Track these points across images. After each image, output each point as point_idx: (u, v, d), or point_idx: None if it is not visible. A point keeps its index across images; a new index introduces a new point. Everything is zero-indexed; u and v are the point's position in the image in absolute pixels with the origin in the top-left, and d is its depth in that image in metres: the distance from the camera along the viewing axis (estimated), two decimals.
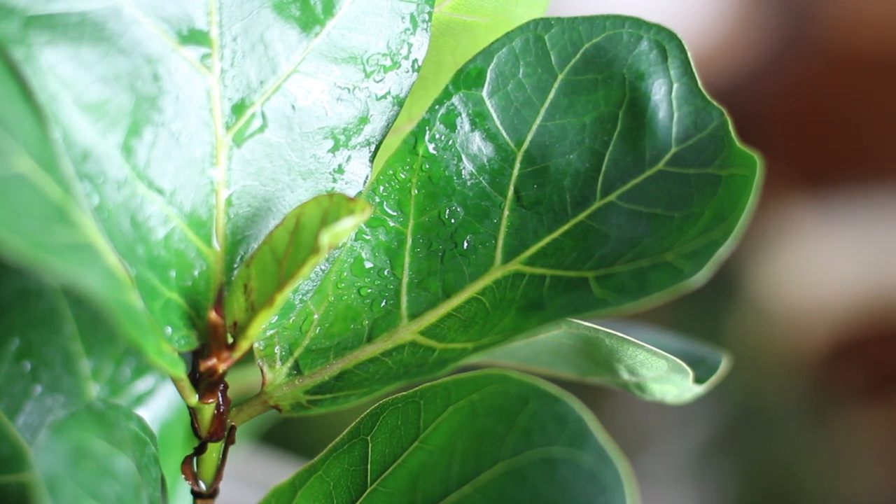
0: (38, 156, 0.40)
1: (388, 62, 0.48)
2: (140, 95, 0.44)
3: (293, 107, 0.47)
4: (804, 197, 1.53)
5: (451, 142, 0.48)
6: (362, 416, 0.47)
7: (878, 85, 1.74)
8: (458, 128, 0.48)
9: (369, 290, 0.49)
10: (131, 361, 0.54)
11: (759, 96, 1.73)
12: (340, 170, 0.48)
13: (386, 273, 0.49)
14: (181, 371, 0.45)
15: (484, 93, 0.48)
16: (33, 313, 0.53)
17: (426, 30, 0.49)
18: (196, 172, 0.46)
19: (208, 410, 0.47)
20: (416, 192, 0.49)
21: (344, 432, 0.48)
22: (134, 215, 0.44)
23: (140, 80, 0.44)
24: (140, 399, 0.54)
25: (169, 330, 0.45)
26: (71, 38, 0.43)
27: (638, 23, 0.47)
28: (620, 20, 0.47)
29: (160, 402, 0.55)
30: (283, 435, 0.52)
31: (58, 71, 0.43)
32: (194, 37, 0.45)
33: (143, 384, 0.54)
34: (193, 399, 0.47)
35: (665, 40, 0.46)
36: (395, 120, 0.49)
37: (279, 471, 0.77)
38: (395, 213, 0.49)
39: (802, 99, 1.76)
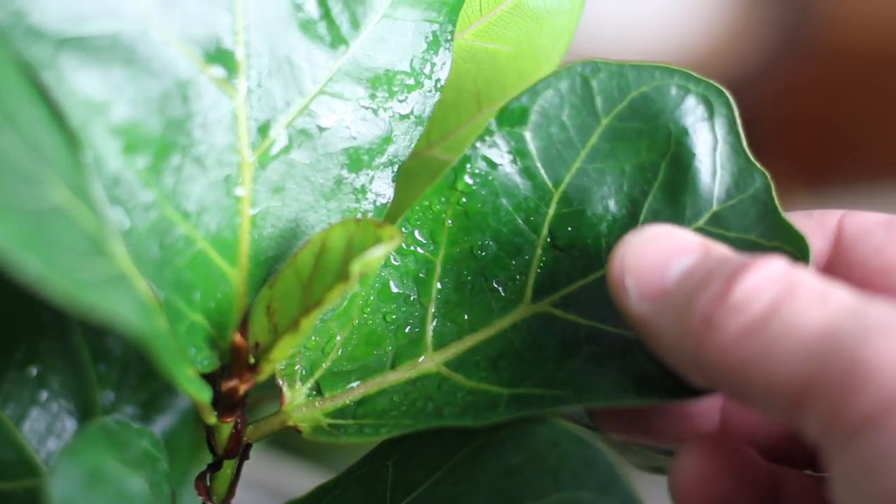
0: (72, 183, 0.40)
1: (411, 81, 0.48)
2: (169, 118, 0.44)
3: (318, 127, 0.47)
4: (804, 197, 1.53)
5: (490, 178, 0.48)
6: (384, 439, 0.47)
7: (878, 85, 1.74)
8: (499, 166, 0.48)
9: (394, 317, 0.48)
10: (136, 367, 0.54)
11: (759, 96, 1.72)
12: (364, 190, 0.48)
13: (412, 299, 0.48)
14: (207, 396, 0.45)
15: (527, 132, 0.48)
16: (39, 319, 0.53)
17: (448, 49, 0.49)
18: (222, 194, 0.45)
19: (226, 429, 0.47)
20: (449, 223, 0.48)
21: (364, 454, 0.48)
22: (162, 239, 0.44)
23: (169, 103, 0.44)
24: (145, 405, 0.54)
25: (192, 351, 0.45)
26: (102, 61, 0.42)
27: (687, 76, 0.46)
28: (670, 72, 0.46)
29: (165, 409, 0.55)
30: (283, 434, 0.52)
31: (89, 94, 0.42)
32: (221, 57, 0.45)
33: (147, 390, 0.54)
34: (212, 419, 0.46)
35: (713, 96, 0.46)
36: (417, 140, 0.49)
37: (279, 470, 0.77)
38: (426, 242, 0.48)
39: (802, 99, 1.76)
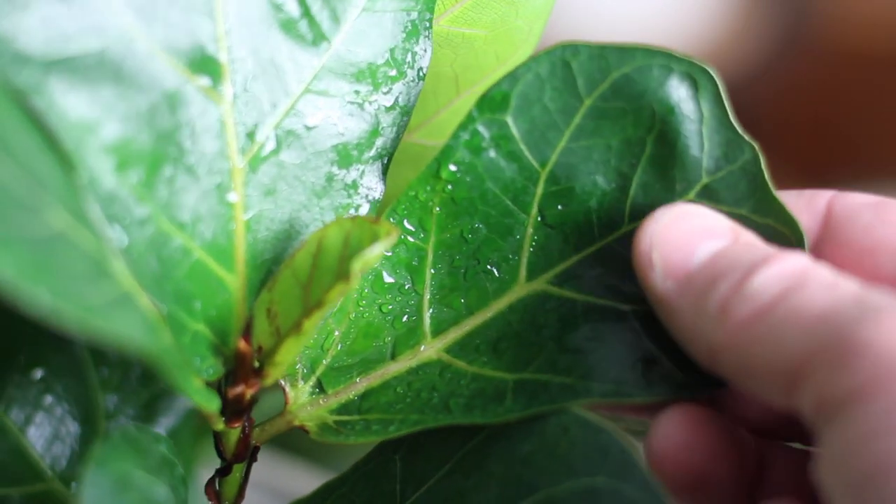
0: (71, 206, 0.40)
1: (394, 72, 0.48)
2: (158, 131, 0.43)
3: (306, 126, 0.47)
4: None
5: (474, 165, 0.48)
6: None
7: (878, 85, 1.74)
8: (483, 152, 0.48)
9: (390, 307, 0.48)
10: (136, 369, 0.54)
11: (759, 96, 1.71)
12: (355, 185, 0.48)
13: (407, 288, 0.48)
14: (216, 406, 0.45)
15: (508, 117, 0.47)
16: (41, 322, 0.52)
17: (428, 37, 0.49)
18: (215, 202, 0.45)
19: (234, 434, 0.47)
20: (437, 210, 0.48)
21: (370, 450, 0.48)
22: (160, 252, 0.44)
23: (157, 115, 0.43)
24: (147, 406, 0.54)
25: (197, 361, 0.45)
26: (90, 81, 0.42)
27: (668, 56, 0.46)
28: (651, 53, 0.46)
29: (167, 410, 0.54)
30: (285, 435, 0.52)
31: (80, 115, 0.42)
32: (205, 64, 0.44)
33: (148, 391, 0.54)
34: (220, 425, 0.46)
35: (696, 73, 0.46)
36: (404, 130, 0.48)
37: (282, 471, 0.77)
38: (415, 231, 0.48)
39: (802, 99, 1.75)
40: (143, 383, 0.54)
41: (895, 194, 0.48)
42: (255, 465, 0.50)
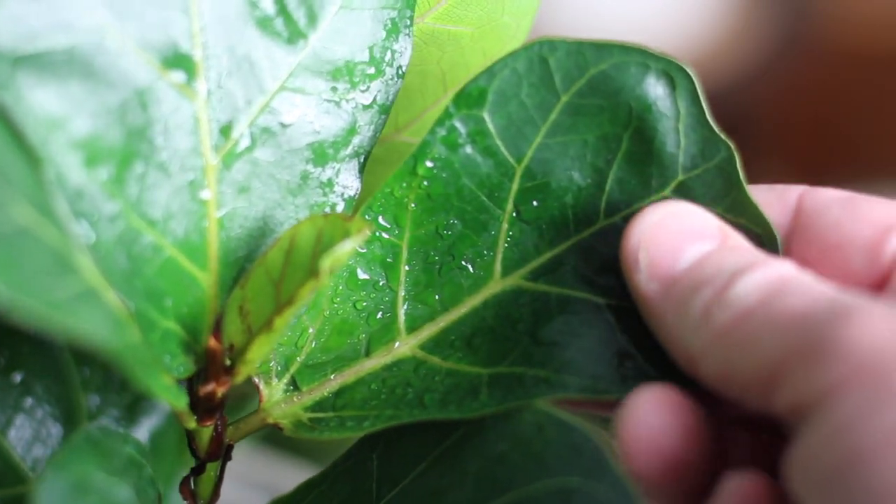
0: (36, 201, 0.39)
1: (372, 70, 0.48)
2: (129, 127, 0.43)
3: (281, 124, 0.47)
4: None
5: (451, 161, 0.48)
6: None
7: (878, 85, 1.73)
8: (459, 148, 0.47)
9: (365, 304, 0.48)
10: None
11: (759, 96, 1.71)
12: (330, 183, 0.48)
13: (381, 284, 0.48)
14: (184, 403, 0.45)
15: (485, 112, 0.47)
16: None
17: (409, 35, 0.48)
18: (187, 199, 0.45)
19: (206, 433, 0.47)
20: (412, 206, 0.48)
21: (348, 448, 0.48)
22: (130, 249, 0.44)
23: (129, 112, 0.43)
24: (130, 407, 0.54)
25: (168, 359, 0.45)
26: (59, 77, 0.42)
27: (645, 53, 0.46)
28: (628, 50, 0.46)
29: (150, 410, 0.54)
30: (273, 431, 0.52)
31: (48, 111, 0.42)
32: (179, 61, 0.44)
33: (132, 392, 0.54)
34: (192, 423, 0.46)
35: (673, 71, 0.46)
36: (382, 129, 0.48)
37: (272, 467, 0.77)
38: (390, 227, 0.48)
39: (802, 99, 1.75)
40: (126, 384, 0.54)
41: (895, 194, 0.48)
42: (245, 462, 0.50)
